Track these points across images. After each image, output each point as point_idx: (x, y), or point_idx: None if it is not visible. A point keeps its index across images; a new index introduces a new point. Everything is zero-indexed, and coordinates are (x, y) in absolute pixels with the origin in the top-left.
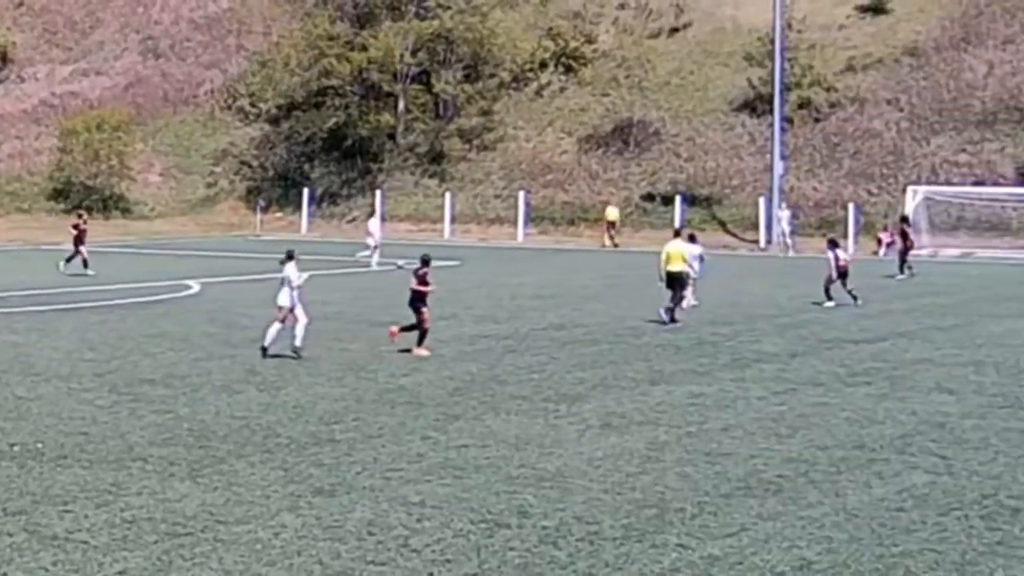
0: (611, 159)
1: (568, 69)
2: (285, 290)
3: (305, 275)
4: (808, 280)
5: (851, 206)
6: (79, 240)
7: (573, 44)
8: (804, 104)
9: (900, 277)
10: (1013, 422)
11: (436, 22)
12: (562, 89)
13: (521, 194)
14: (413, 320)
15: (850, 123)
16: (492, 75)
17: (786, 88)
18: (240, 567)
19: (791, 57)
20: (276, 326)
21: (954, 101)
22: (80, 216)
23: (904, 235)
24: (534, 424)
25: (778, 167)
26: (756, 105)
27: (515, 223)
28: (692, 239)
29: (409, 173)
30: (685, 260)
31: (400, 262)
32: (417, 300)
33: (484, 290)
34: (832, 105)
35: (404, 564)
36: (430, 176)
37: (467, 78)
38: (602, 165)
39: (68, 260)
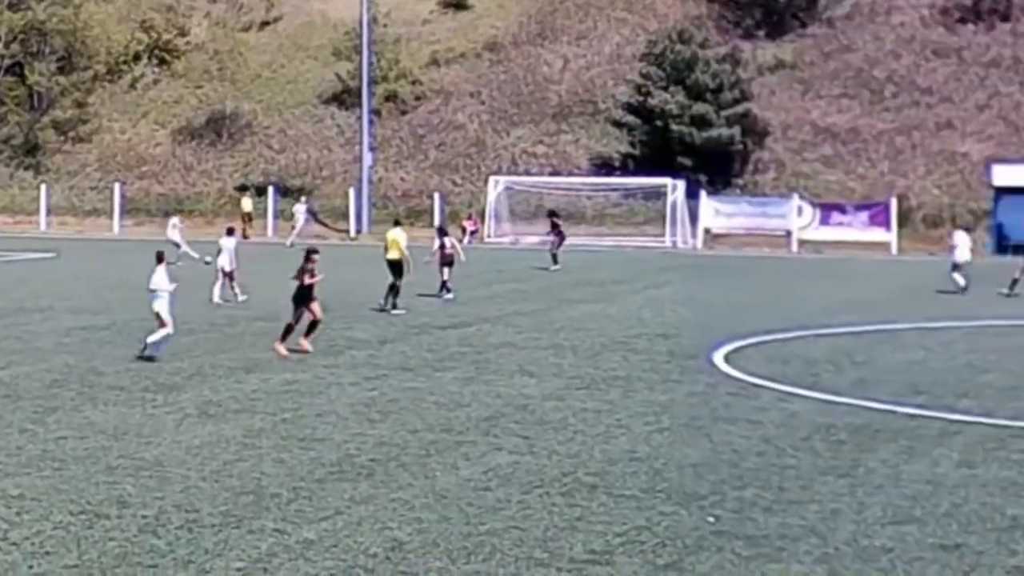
0: (205, 151)
1: (162, 62)
2: (161, 296)
3: (173, 284)
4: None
5: (437, 195)
6: None
7: (166, 37)
8: (391, 97)
9: (555, 268)
10: (590, 402)
11: (29, 13)
12: (156, 81)
13: (117, 186)
14: (288, 323)
15: (435, 115)
16: (86, 67)
17: (373, 81)
18: None
19: (377, 51)
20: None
21: (532, 94)
22: None
23: (555, 227)
24: (132, 414)
25: (367, 158)
26: (345, 98)
27: (111, 215)
28: (230, 232)
29: (3, 165)
30: (400, 248)
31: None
32: (305, 293)
33: (81, 282)
34: (418, 98)
35: (3, 558)
36: (25, 168)
37: (61, 70)
38: (196, 157)
39: None
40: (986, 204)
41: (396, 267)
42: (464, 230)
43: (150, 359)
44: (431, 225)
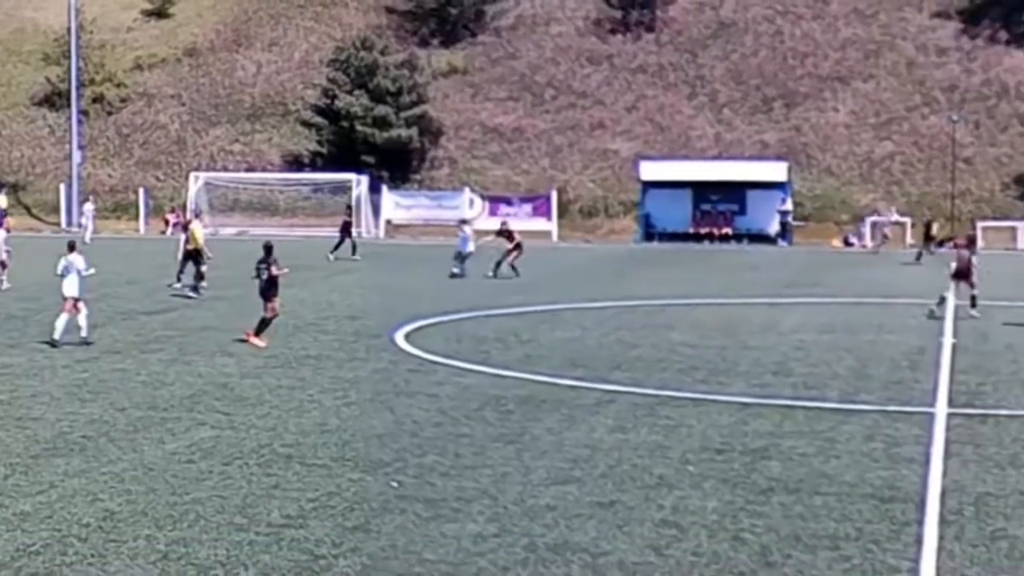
0: None
1: None
2: (72, 280)
3: (92, 269)
4: (115, 259)
5: (141, 191)
6: None
7: None
8: (98, 99)
9: (341, 257)
10: (284, 380)
11: None
12: None
13: None
14: (262, 317)
15: (139, 116)
16: None
17: (82, 85)
18: None
19: (85, 56)
20: (64, 317)
21: (229, 97)
22: None
23: (346, 225)
24: None
25: (76, 156)
26: (55, 100)
27: None
28: None
29: None
30: (197, 239)
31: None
32: (270, 288)
33: None
34: (123, 100)
35: None
36: None
37: None
38: None
39: None
40: (635, 196)
41: (196, 256)
42: (167, 223)
43: (87, 343)
44: (136, 218)
